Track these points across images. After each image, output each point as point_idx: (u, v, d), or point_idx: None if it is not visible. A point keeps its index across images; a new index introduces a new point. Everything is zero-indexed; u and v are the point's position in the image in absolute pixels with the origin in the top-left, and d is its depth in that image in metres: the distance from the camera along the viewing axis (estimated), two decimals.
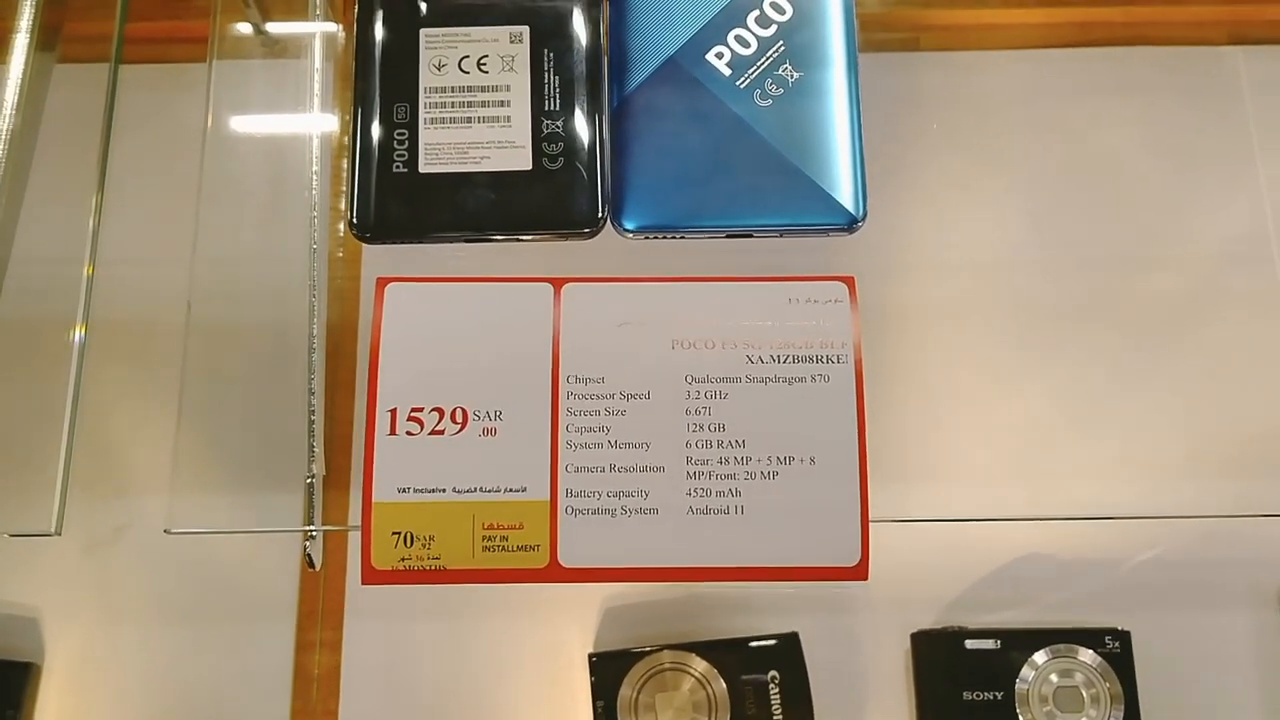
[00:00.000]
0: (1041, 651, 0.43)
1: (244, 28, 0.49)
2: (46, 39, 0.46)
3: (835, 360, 0.37)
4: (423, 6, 0.41)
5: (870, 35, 0.54)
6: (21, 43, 0.44)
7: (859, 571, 0.36)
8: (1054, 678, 0.43)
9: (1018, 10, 0.58)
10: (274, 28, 0.49)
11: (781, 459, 0.36)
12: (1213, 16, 0.59)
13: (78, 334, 0.39)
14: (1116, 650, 0.43)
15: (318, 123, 0.41)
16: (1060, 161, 0.54)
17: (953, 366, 0.51)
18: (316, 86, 0.39)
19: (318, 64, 0.40)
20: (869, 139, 0.46)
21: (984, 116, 0.55)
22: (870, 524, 0.36)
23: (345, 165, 0.40)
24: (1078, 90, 0.56)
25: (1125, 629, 0.43)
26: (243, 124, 0.46)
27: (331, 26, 0.43)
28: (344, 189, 0.40)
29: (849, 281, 0.38)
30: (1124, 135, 0.55)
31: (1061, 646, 0.43)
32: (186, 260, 0.41)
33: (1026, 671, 0.43)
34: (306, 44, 0.44)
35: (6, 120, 0.43)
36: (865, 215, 0.39)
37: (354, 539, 0.36)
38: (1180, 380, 0.52)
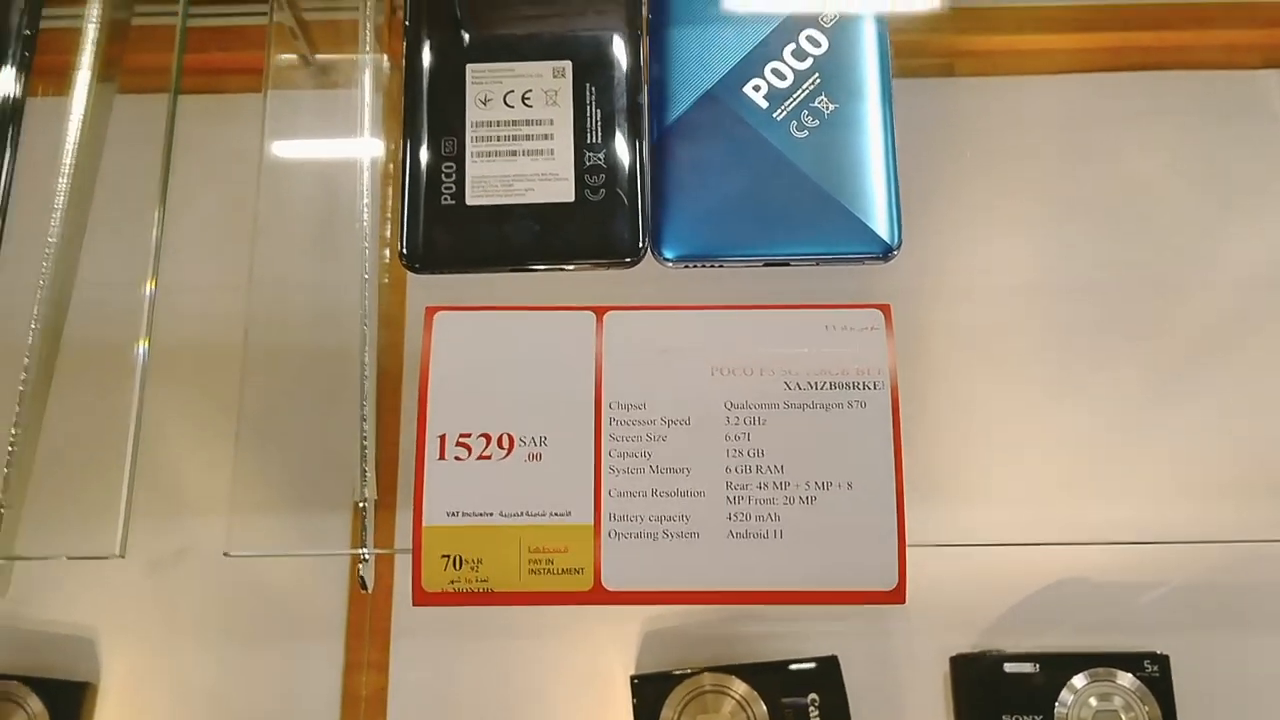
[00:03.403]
0: (1080, 675, 0.43)
1: (293, 58, 0.51)
2: (108, 71, 0.47)
3: (872, 387, 0.38)
4: (468, 41, 0.42)
5: (906, 61, 0.54)
6: (84, 76, 0.46)
7: (896, 595, 0.36)
8: (1093, 701, 0.43)
9: (1051, 36, 0.59)
10: (323, 58, 0.51)
11: (819, 484, 0.37)
12: (1246, 40, 0.59)
13: (141, 349, 0.41)
14: (1155, 674, 0.43)
15: (367, 153, 0.42)
16: (1094, 185, 0.55)
17: (990, 389, 0.52)
18: (366, 120, 0.41)
19: (367, 97, 0.41)
20: (905, 165, 0.47)
21: (1019, 141, 0.55)
22: (907, 548, 0.36)
23: (393, 196, 0.41)
24: (1111, 115, 0.56)
25: (1164, 653, 0.44)
26: (295, 153, 0.47)
27: (380, 58, 0.45)
28: (389, 216, 0.41)
29: (885, 309, 0.39)
30: (1158, 159, 0.56)
31: (1100, 670, 0.43)
32: (242, 286, 0.43)
33: (1065, 695, 0.43)
34: (355, 74, 0.46)
35: (70, 151, 0.44)
36: (900, 244, 0.40)
37: (401, 561, 0.37)
38: (1217, 403, 0.52)
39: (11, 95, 0.45)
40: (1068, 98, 0.57)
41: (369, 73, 0.42)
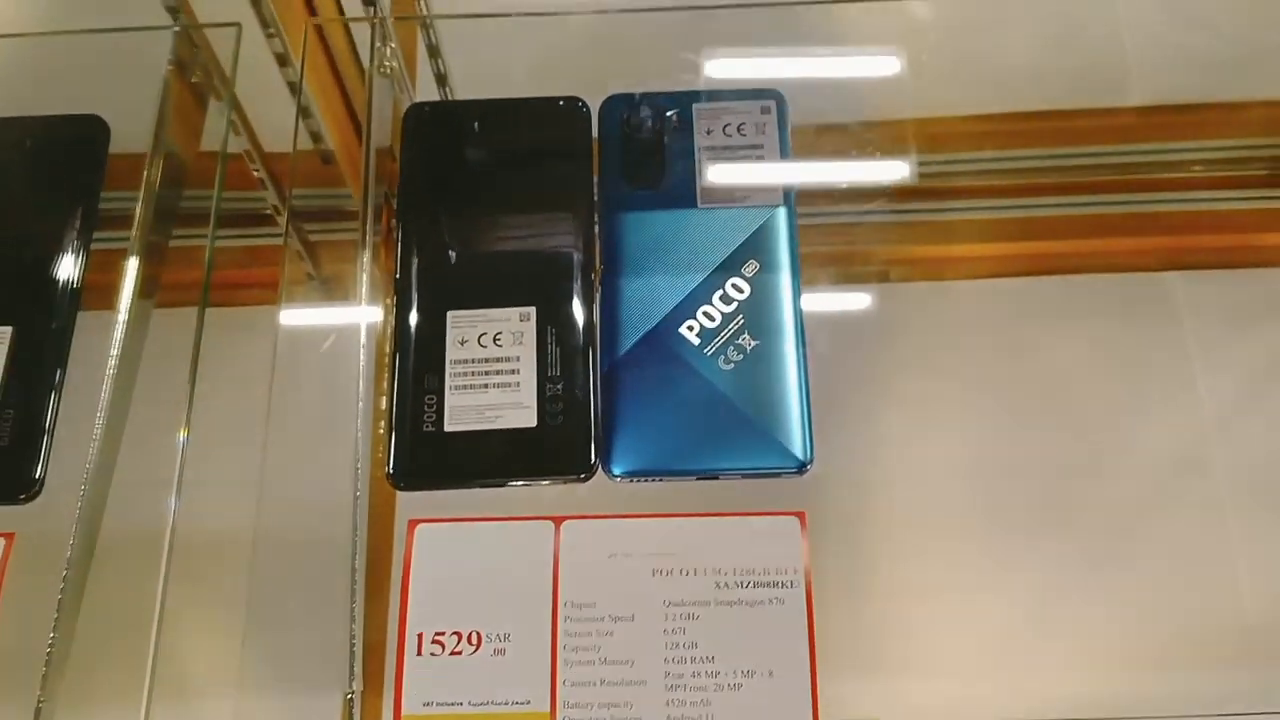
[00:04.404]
0: None
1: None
2: (147, 288, 0.53)
3: (789, 585, 0.44)
4: (449, 292, 0.49)
5: (846, 269, 0.62)
6: (127, 293, 0.52)
7: None
8: None
9: (978, 245, 0.63)
10: (327, 275, 0.58)
11: (745, 672, 0.43)
12: (1152, 246, 0.63)
13: (164, 554, 0.46)
14: None
15: (363, 387, 0.49)
16: (1016, 380, 0.58)
17: (920, 571, 0.55)
18: (361, 366, 0.48)
19: (363, 340, 0.49)
20: (846, 364, 0.53)
21: (947, 340, 0.59)
22: None
23: (383, 424, 0.48)
24: (1032, 314, 0.60)
25: None
26: (301, 366, 0.52)
27: (375, 313, 0.52)
28: (382, 436, 0.48)
29: (800, 516, 0.45)
30: (1074, 354, 0.59)
31: None
32: (254, 484, 0.47)
33: None
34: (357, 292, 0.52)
35: (114, 360, 0.50)
36: (812, 459, 0.46)
37: None
38: (1134, 580, 0.54)
39: (65, 312, 0.51)
40: (993, 300, 0.61)
41: (364, 330, 0.49)
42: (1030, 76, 0.67)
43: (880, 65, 0.63)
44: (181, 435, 0.49)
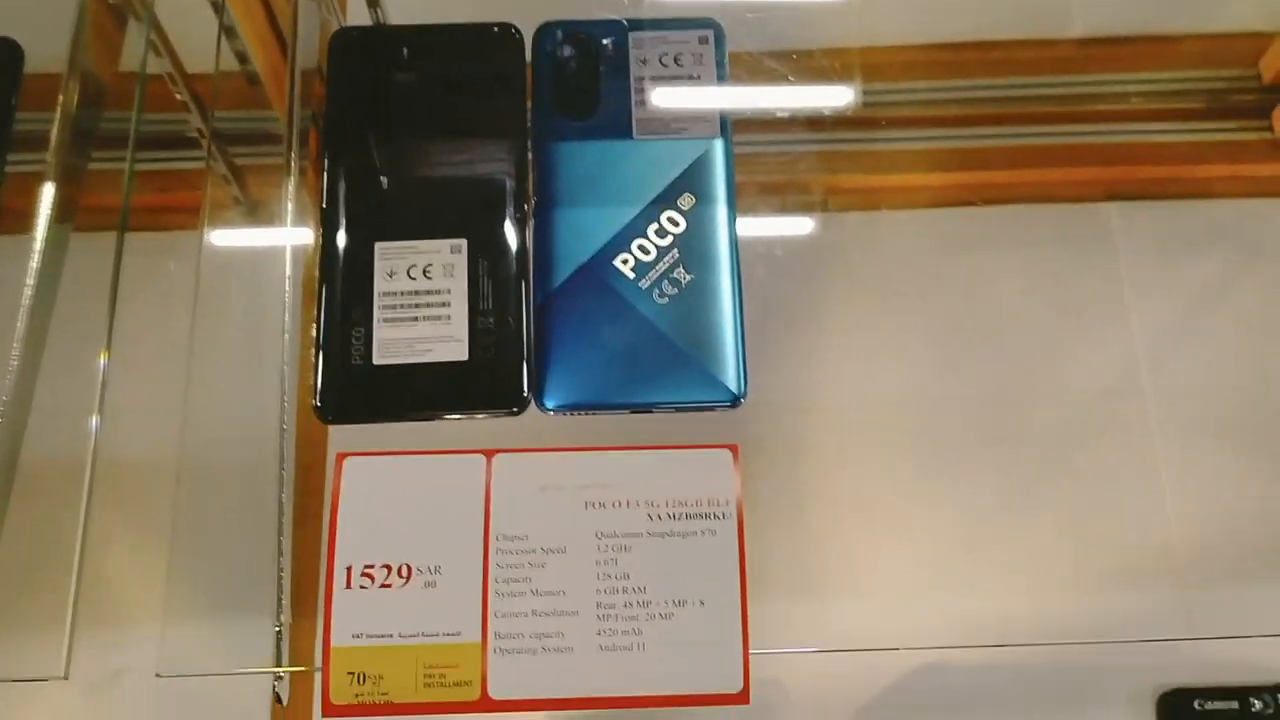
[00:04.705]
0: None
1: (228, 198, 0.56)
2: (64, 213, 0.52)
3: (720, 516, 0.44)
4: (377, 222, 0.49)
5: (786, 198, 0.62)
6: (43, 218, 0.51)
7: (742, 697, 0.43)
8: None
9: (916, 174, 0.64)
10: (253, 199, 0.57)
11: (676, 602, 0.43)
12: (1088, 176, 0.64)
13: (87, 473, 0.45)
14: None
15: (289, 319, 0.48)
16: (952, 309, 0.59)
17: (854, 500, 0.56)
18: (287, 297, 0.47)
19: (288, 271, 0.48)
20: (786, 292, 0.53)
21: (886, 270, 0.60)
22: (750, 655, 0.43)
23: (310, 355, 0.47)
24: (970, 244, 0.61)
25: None
26: (227, 292, 0.52)
27: (305, 234, 0.51)
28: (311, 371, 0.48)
29: (733, 449, 0.45)
30: (1010, 285, 0.61)
31: None
32: (178, 411, 0.47)
33: None
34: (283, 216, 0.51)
35: (31, 286, 0.49)
36: (746, 394, 0.46)
37: (317, 677, 0.43)
38: (1067, 505, 0.56)
39: None
40: (931, 230, 0.62)
41: (289, 253, 0.48)
42: (972, 6, 0.67)
43: None
44: (102, 360, 0.47)
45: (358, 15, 0.62)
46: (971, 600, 0.54)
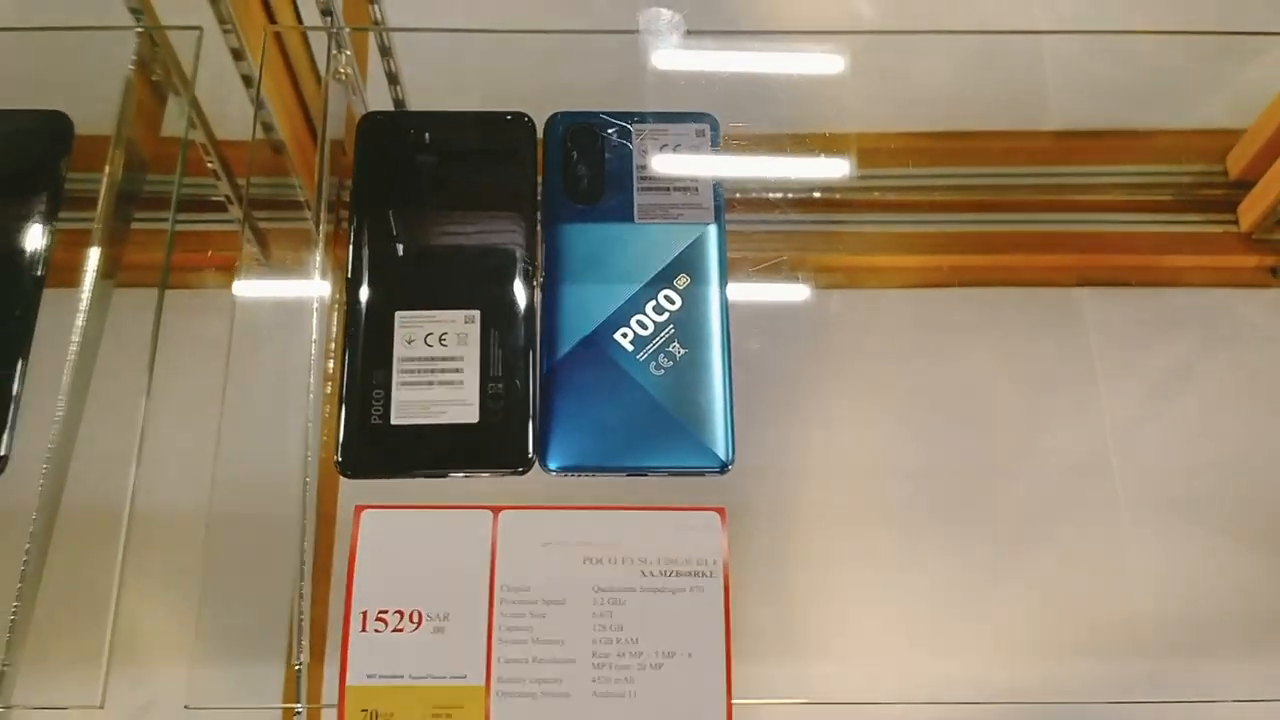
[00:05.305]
0: None
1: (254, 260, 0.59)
2: (108, 268, 0.55)
3: (708, 575, 0.47)
4: (398, 293, 0.52)
5: (775, 275, 0.65)
6: (89, 278, 0.53)
7: None
8: None
9: (898, 256, 0.67)
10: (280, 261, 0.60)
11: (666, 653, 0.46)
12: (1062, 263, 0.67)
13: (125, 515, 0.48)
14: None
15: (315, 377, 0.51)
16: (931, 386, 0.62)
17: (833, 565, 0.59)
18: (313, 353, 0.51)
19: (314, 335, 0.51)
20: (773, 365, 0.56)
21: (866, 346, 0.63)
22: (734, 706, 0.46)
23: (333, 414, 0.51)
24: (949, 324, 0.64)
25: None
26: (257, 348, 0.54)
27: (325, 288, 0.55)
28: (334, 427, 0.51)
29: (720, 511, 0.49)
30: (986, 364, 0.64)
31: None
32: (210, 460, 0.49)
33: None
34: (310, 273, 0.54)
35: (77, 337, 0.52)
36: (734, 460, 0.50)
37: (330, 715, 0.46)
38: (1037, 575, 0.59)
39: (30, 289, 0.53)
40: (911, 309, 0.65)
41: (316, 314, 0.52)
42: (954, 98, 0.71)
43: (819, 62, 0.65)
44: (140, 412, 0.51)
45: (377, 90, 0.66)
46: (945, 663, 0.57)
